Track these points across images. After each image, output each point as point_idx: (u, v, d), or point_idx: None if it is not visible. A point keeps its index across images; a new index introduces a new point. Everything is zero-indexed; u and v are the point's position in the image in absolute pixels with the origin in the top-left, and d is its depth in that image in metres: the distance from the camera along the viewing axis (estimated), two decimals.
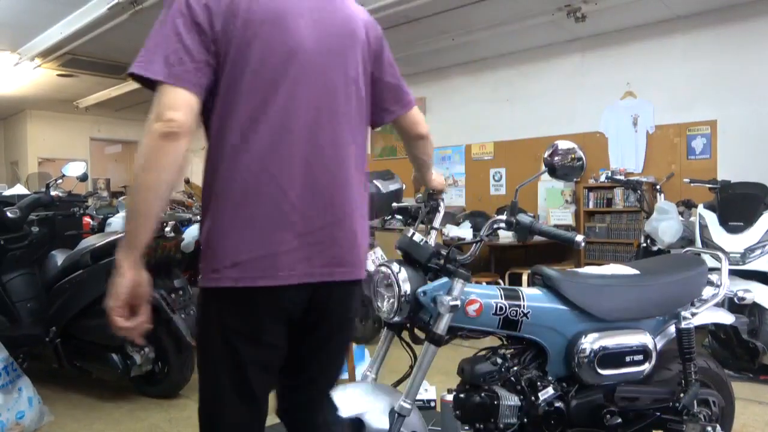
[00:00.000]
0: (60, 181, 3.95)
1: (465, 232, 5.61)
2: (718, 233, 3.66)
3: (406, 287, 1.63)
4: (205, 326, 1.31)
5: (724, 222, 3.67)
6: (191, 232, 3.84)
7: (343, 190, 1.29)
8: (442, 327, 1.62)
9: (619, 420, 1.84)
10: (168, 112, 1.10)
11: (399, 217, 5.71)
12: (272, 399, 1.39)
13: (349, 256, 1.31)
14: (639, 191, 4.43)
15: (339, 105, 1.30)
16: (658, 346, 1.98)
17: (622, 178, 4.68)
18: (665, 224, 3.96)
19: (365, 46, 1.38)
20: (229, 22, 1.18)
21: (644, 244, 4.24)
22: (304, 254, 1.23)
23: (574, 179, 4.59)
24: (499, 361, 1.79)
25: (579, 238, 1.62)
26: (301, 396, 1.42)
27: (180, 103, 1.12)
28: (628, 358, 1.88)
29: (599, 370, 1.84)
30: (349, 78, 1.33)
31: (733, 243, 3.55)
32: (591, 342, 1.83)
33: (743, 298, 2.14)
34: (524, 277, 5.16)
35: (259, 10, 1.21)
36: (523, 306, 1.77)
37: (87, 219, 4.69)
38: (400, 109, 1.52)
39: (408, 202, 5.07)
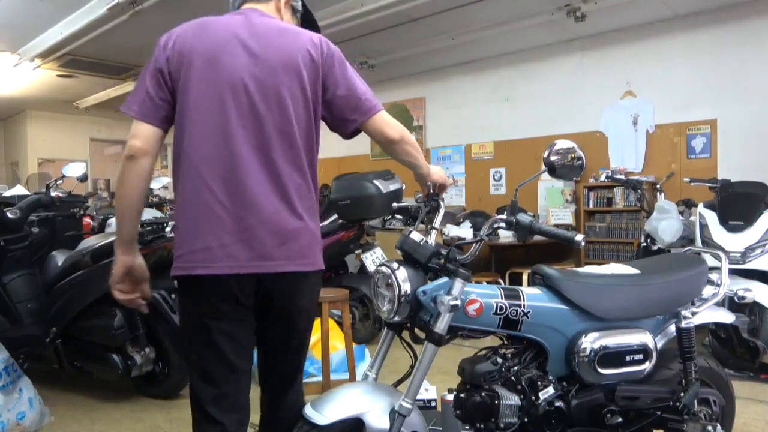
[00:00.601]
0: (60, 181, 3.96)
1: (465, 231, 5.62)
2: (718, 232, 3.65)
3: (406, 287, 1.63)
4: (181, 309, 1.59)
5: (724, 221, 3.67)
6: None
7: (272, 198, 1.49)
8: (442, 327, 1.62)
9: (620, 419, 1.84)
10: (131, 140, 1.48)
11: (399, 217, 5.72)
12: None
13: (278, 251, 1.49)
14: (639, 190, 4.43)
15: (272, 130, 1.49)
16: (659, 346, 1.98)
17: (622, 177, 4.68)
18: (665, 223, 3.96)
19: (308, 71, 1.54)
20: (179, 63, 1.49)
21: (644, 244, 4.24)
22: (236, 249, 1.47)
23: (574, 179, 4.58)
24: (500, 360, 1.79)
25: (579, 237, 1.62)
26: (268, 363, 1.66)
27: (140, 134, 1.48)
28: (628, 358, 1.88)
29: (600, 370, 1.84)
30: (286, 103, 1.50)
31: (733, 242, 3.55)
32: (591, 341, 1.83)
33: (743, 297, 2.13)
34: (524, 277, 5.16)
35: (196, 51, 1.49)
36: (524, 305, 1.77)
37: (87, 219, 4.71)
38: (360, 117, 1.60)
39: (408, 202, 5.08)
